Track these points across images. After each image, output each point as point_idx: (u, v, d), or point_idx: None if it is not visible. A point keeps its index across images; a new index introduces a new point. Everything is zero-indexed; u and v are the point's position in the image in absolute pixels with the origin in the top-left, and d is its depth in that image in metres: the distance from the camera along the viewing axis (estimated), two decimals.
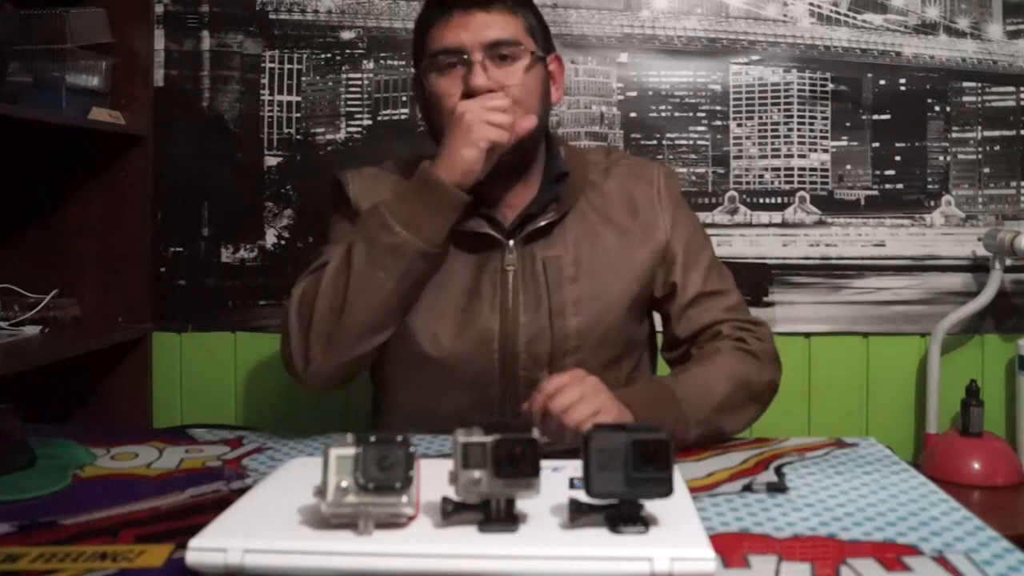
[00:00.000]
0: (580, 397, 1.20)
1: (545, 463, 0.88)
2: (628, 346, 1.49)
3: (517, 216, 1.44)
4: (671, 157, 2.20)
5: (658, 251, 1.47)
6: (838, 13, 2.18)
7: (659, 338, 1.58)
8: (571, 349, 1.42)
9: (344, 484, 0.85)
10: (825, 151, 2.20)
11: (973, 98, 2.19)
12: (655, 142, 2.20)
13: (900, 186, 2.20)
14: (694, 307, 1.46)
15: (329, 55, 2.20)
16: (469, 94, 1.36)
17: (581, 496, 0.87)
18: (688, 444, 1.30)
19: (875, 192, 2.20)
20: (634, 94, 2.20)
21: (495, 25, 1.39)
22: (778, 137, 2.19)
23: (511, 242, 1.43)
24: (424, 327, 1.41)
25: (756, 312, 2.11)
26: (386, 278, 1.32)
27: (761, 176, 2.20)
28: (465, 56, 1.37)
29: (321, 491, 0.86)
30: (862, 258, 2.20)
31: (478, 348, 1.40)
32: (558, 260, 1.43)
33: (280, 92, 2.19)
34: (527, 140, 1.40)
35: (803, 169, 2.20)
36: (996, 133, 2.19)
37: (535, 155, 1.47)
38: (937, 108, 2.19)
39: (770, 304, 2.19)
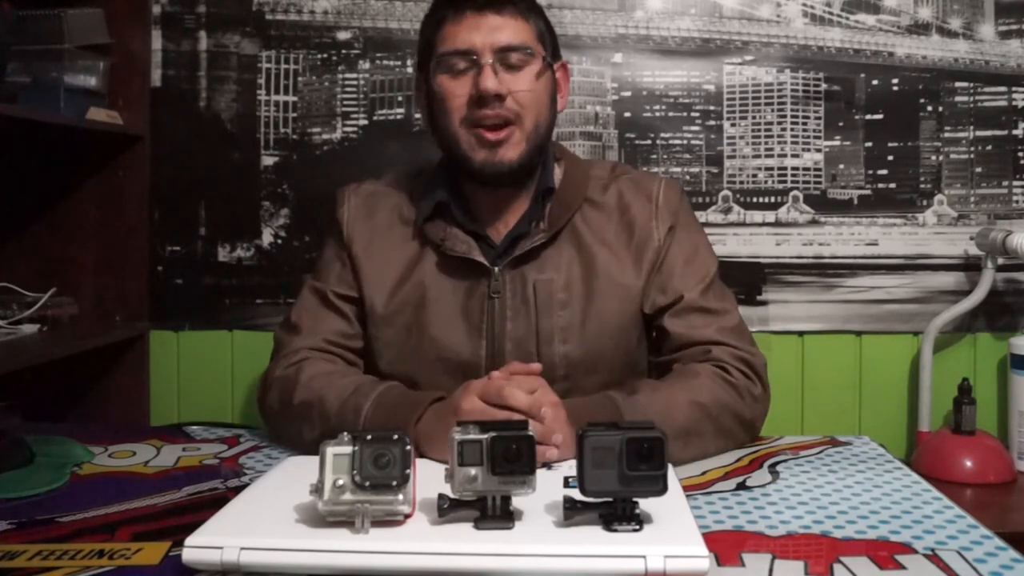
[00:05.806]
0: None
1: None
2: (625, 371, 1.45)
3: (506, 236, 1.43)
4: (665, 157, 2.20)
5: (652, 267, 1.43)
6: (831, 14, 2.18)
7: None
8: (559, 377, 1.39)
9: (341, 482, 0.86)
10: (818, 151, 2.20)
11: (965, 98, 2.19)
12: (649, 142, 2.20)
13: (893, 185, 2.20)
14: (686, 319, 1.41)
15: (325, 55, 2.20)
16: (480, 98, 1.34)
17: (576, 494, 0.88)
18: None
19: (868, 191, 2.20)
20: (628, 94, 2.20)
21: (507, 29, 1.37)
22: (771, 137, 2.19)
23: (497, 269, 1.41)
24: (442, 338, 1.42)
25: (749, 312, 2.14)
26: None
27: (755, 175, 2.20)
28: (475, 58, 1.35)
29: (318, 489, 0.87)
30: (855, 257, 2.20)
31: (465, 375, 1.35)
32: (549, 284, 1.41)
33: (276, 92, 2.19)
34: (536, 147, 1.40)
35: (796, 168, 2.20)
36: (988, 133, 2.19)
37: (539, 164, 1.44)
38: (929, 108, 2.19)
39: (763, 303, 2.19)
